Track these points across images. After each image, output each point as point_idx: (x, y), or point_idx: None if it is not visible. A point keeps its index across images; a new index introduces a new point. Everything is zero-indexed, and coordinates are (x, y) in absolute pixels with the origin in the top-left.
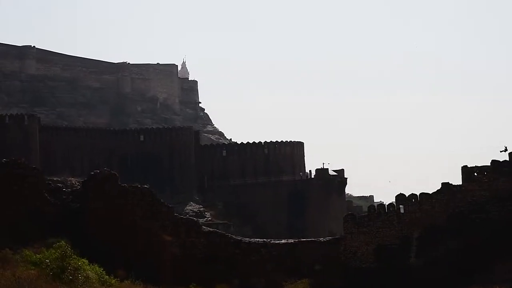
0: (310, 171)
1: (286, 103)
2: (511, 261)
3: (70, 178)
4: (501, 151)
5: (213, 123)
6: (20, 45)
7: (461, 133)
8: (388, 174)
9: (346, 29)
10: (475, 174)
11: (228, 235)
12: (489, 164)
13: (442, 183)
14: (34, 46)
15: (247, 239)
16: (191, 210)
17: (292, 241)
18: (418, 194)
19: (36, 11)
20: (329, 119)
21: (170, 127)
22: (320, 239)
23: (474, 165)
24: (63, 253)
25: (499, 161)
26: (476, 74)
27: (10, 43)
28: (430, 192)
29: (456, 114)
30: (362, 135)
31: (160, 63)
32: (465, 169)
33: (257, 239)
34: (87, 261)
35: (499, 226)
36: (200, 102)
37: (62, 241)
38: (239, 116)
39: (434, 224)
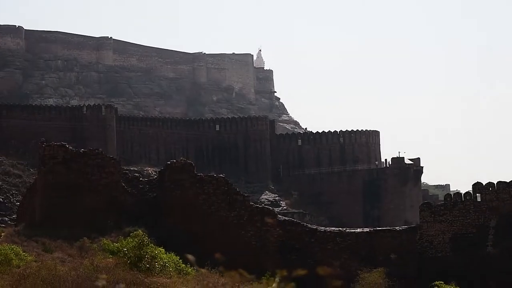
0: (385, 160)
1: (361, 91)
2: None
3: (146, 168)
4: None
5: (289, 112)
6: (97, 36)
7: None
8: (466, 162)
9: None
10: None
11: (303, 223)
12: None
13: None
14: (111, 37)
15: (323, 228)
16: (266, 199)
17: (368, 230)
18: (495, 183)
19: (113, 2)
20: (405, 107)
21: (246, 116)
22: (396, 228)
23: None
24: (140, 242)
25: None
26: None
27: (88, 34)
28: (508, 181)
29: None
30: (438, 123)
31: (236, 53)
32: None
33: (333, 228)
34: (163, 249)
35: None
36: (276, 92)
37: (139, 230)
38: (314, 105)
39: None
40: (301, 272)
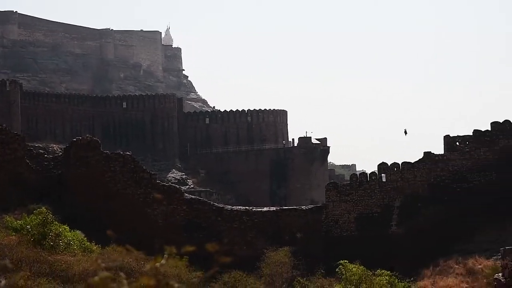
0: (293, 139)
1: (269, 71)
2: (490, 231)
3: (52, 145)
4: (405, 133)
5: (197, 90)
6: (2, 10)
7: (444, 103)
8: (371, 143)
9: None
10: (457, 143)
11: (210, 202)
12: (471, 134)
13: (424, 152)
14: (16, 11)
15: (229, 206)
16: (173, 177)
17: (274, 209)
18: (400, 163)
19: None
20: (313, 87)
21: (153, 94)
22: (302, 207)
23: (456, 135)
24: (44, 219)
25: (480, 130)
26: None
27: None
28: (412, 161)
29: (440, 84)
30: (345, 104)
31: (144, 29)
32: (447, 138)
33: (239, 207)
34: (68, 227)
35: (480, 195)
36: (184, 70)
37: (43, 207)
38: (222, 83)
39: (416, 193)
40: (189, 248)
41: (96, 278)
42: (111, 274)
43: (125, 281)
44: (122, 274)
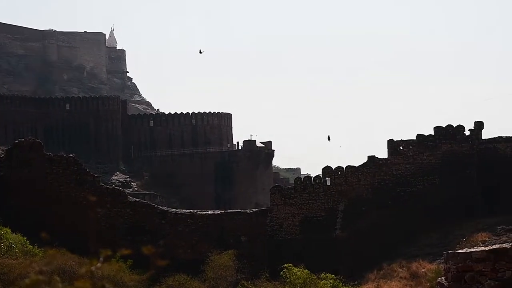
0: (237, 142)
1: (214, 74)
2: (434, 235)
3: None
4: (329, 139)
5: (141, 93)
6: None
7: (388, 107)
8: (316, 147)
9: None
10: (401, 147)
11: (154, 205)
12: (415, 138)
13: (368, 156)
14: None
15: (173, 209)
16: (117, 180)
17: (219, 212)
18: (344, 167)
19: None
20: (258, 91)
21: (97, 96)
22: (247, 210)
23: (400, 139)
24: None
25: (424, 135)
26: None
27: None
28: (357, 165)
29: (385, 88)
30: (290, 107)
31: (88, 31)
32: (391, 142)
33: (184, 210)
34: (10, 230)
35: (423, 199)
36: (128, 72)
37: None
38: (167, 86)
39: (360, 197)
40: (125, 251)
41: (27, 280)
42: (44, 277)
43: (59, 284)
44: (56, 277)
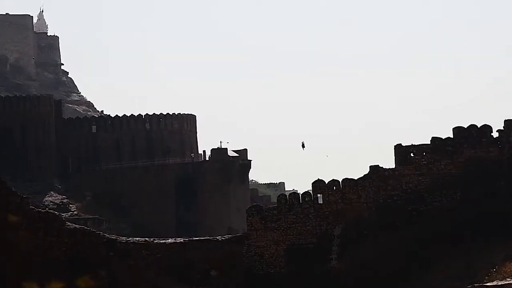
0: (204, 151)
1: (173, 66)
2: (454, 264)
3: None
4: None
5: (80, 90)
6: None
7: (393, 103)
8: (304, 157)
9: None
10: (412, 154)
11: (99, 233)
12: (429, 143)
13: (371, 167)
14: None
15: (124, 238)
16: (51, 201)
17: (182, 240)
18: (340, 181)
19: None
20: (229, 89)
21: (24, 95)
22: (217, 237)
23: (411, 143)
24: None
25: (441, 138)
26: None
27: None
28: (356, 178)
29: (389, 80)
30: (270, 108)
31: (10, 13)
32: (399, 148)
33: (137, 238)
34: None
35: (441, 220)
36: (63, 64)
37: None
38: (113, 82)
39: (360, 218)
40: (56, 285)
41: None
42: None
43: None
44: None
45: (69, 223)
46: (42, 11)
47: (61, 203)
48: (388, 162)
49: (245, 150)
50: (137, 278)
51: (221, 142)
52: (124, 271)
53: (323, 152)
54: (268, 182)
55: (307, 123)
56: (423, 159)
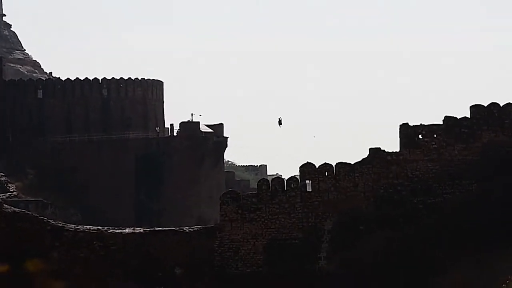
0: (171, 125)
1: (140, 21)
2: (467, 268)
3: None
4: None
5: (24, 47)
6: None
7: (398, 75)
8: (290, 134)
9: None
10: (420, 136)
11: (43, 218)
12: (441, 123)
13: (370, 149)
14: None
15: (73, 225)
16: None
17: (142, 230)
18: (333, 165)
19: None
20: (204, 49)
21: None
22: (184, 228)
23: (419, 123)
24: None
25: (455, 118)
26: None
27: None
28: (352, 162)
29: (395, 50)
30: (251, 75)
31: None
32: (404, 129)
33: (88, 226)
34: None
35: (453, 215)
36: (5, 15)
37: None
38: (65, 38)
39: (357, 210)
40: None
41: None
42: None
43: None
44: None
45: (7, 206)
46: None
47: None
48: (391, 144)
49: (221, 125)
50: (87, 275)
51: (192, 114)
52: (70, 265)
53: (315, 130)
54: (247, 165)
55: (296, 95)
56: (433, 142)
